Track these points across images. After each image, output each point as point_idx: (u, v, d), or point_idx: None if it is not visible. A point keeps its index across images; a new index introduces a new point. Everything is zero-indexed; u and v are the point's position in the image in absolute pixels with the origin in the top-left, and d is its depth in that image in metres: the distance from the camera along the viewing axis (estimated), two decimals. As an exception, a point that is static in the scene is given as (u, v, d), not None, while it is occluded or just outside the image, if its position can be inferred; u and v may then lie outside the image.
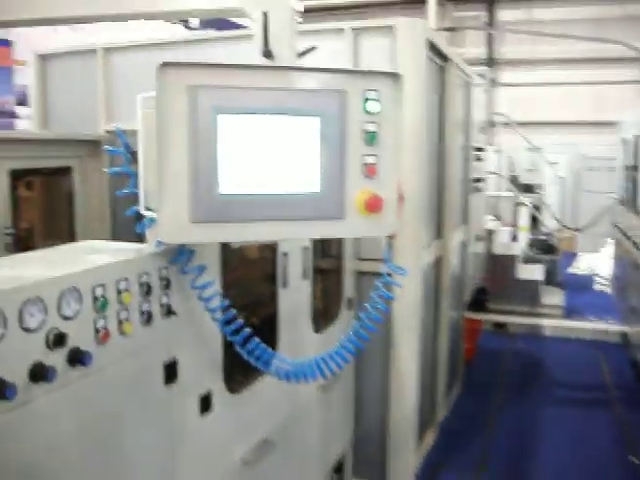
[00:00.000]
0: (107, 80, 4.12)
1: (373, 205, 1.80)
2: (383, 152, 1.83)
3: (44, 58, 4.40)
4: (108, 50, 4.15)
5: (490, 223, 7.19)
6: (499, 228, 7.60)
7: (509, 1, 13.30)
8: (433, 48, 3.66)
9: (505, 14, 13.49)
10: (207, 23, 7.40)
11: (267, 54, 1.84)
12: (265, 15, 1.86)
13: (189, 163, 1.67)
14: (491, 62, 13.27)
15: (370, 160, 1.81)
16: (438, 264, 4.33)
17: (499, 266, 7.27)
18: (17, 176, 3.35)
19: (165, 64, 1.63)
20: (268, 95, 1.71)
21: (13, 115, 6.78)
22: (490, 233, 7.08)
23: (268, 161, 1.72)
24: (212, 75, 1.68)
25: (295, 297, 2.71)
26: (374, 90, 1.80)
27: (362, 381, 3.71)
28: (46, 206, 3.92)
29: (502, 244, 7.46)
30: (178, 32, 7.58)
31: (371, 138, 1.80)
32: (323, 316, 3.20)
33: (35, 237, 3.81)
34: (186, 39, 4.23)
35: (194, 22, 8.02)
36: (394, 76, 1.81)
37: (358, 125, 1.80)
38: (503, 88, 12.88)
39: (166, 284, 1.82)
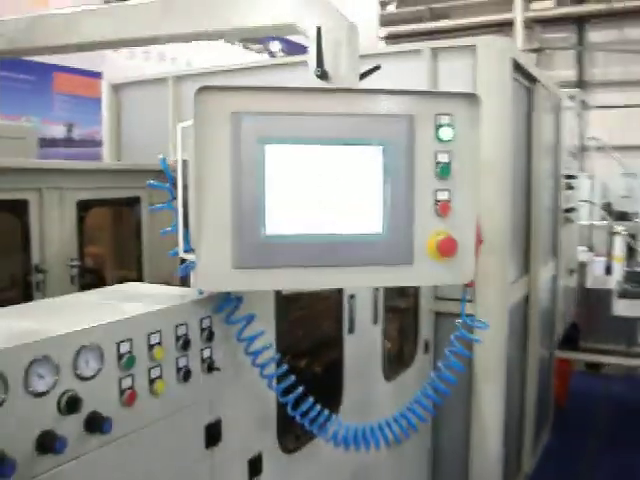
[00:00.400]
0: (177, 109, 4.04)
1: (447, 248, 1.53)
2: (458, 186, 1.56)
3: (117, 88, 4.38)
4: (179, 78, 4.08)
5: (582, 254, 6.69)
6: (592, 259, 7.06)
7: (599, 21, 12.70)
8: (519, 68, 3.35)
9: (595, 35, 12.91)
10: (290, 48, 7.21)
11: (322, 75, 1.62)
12: (319, 30, 1.64)
13: (231, 200, 1.46)
14: (582, 84, 12.66)
15: (443, 196, 1.55)
16: (526, 301, 3.96)
17: (593, 301, 6.72)
18: (85, 207, 3.28)
19: (204, 88, 1.43)
20: (322, 122, 1.49)
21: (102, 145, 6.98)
22: (583, 265, 6.58)
23: (322, 198, 1.49)
24: (258, 100, 1.47)
25: (364, 343, 2.45)
26: (447, 114, 1.54)
27: (439, 431, 3.38)
28: (114, 237, 3.85)
29: (596, 277, 6.92)
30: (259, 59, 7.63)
31: (444, 170, 1.54)
32: (396, 360, 2.93)
33: (103, 268, 3.73)
34: (258, 63, 4.10)
35: (274, 47, 7.97)
36: (470, 97, 1.55)
37: (428, 155, 1.54)
38: (595, 111, 12.25)
39: (208, 336, 1.61)
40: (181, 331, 1.53)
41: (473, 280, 1.61)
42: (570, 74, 12.80)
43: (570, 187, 5.17)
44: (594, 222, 8.16)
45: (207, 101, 1.44)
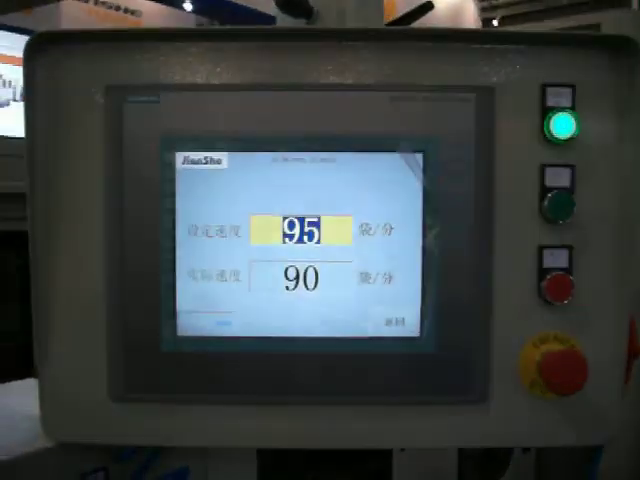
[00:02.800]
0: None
1: (565, 373, 0.69)
2: (590, 240, 0.73)
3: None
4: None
5: None
6: None
7: None
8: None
9: None
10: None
11: (288, 5, 0.78)
12: None
13: (106, 265, 0.71)
14: None
15: (556, 261, 0.72)
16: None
17: None
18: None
19: (44, 36, 0.69)
20: (295, 104, 0.71)
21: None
22: None
23: (293, 260, 0.71)
24: (159, 58, 0.71)
25: None
26: (568, 85, 0.71)
27: None
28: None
29: None
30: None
31: (560, 205, 0.71)
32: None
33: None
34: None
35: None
36: (620, 49, 0.71)
37: (525, 172, 0.72)
38: None
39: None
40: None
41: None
42: None
43: None
44: None
45: (56, 67, 0.71)
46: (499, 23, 7.60)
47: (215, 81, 0.71)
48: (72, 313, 0.72)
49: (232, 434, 0.73)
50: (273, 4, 0.84)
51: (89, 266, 0.72)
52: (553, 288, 0.71)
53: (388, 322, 0.71)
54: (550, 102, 0.71)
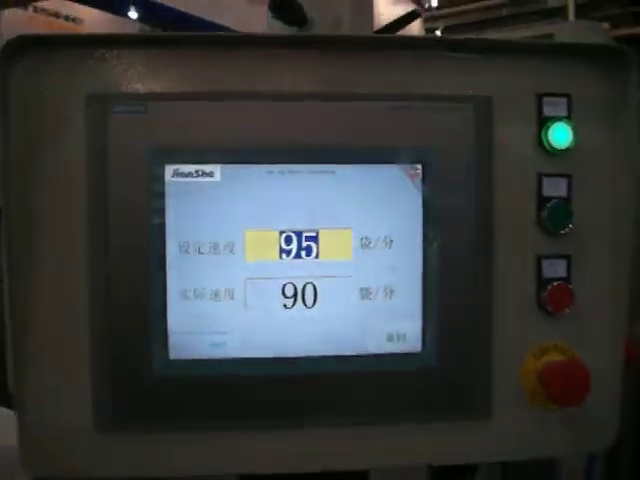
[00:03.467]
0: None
1: (566, 384, 0.69)
2: (588, 251, 0.72)
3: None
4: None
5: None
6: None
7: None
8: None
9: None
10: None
11: (285, 7, 0.76)
12: None
13: (90, 284, 0.67)
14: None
15: (555, 271, 0.71)
16: None
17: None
18: None
19: (21, 40, 0.64)
20: (288, 115, 0.68)
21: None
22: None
23: (290, 277, 0.68)
24: (147, 65, 0.68)
25: None
26: (564, 95, 0.71)
27: None
28: None
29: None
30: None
31: (558, 216, 0.70)
32: None
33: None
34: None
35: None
36: (613, 58, 0.71)
37: (523, 183, 0.71)
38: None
39: None
40: None
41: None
42: None
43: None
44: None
45: (33, 74, 0.66)
46: (442, 33, 7.73)
47: (207, 89, 0.68)
48: (53, 338, 0.67)
49: (232, 461, 0.69)
50: (220, 12, 0.80)
51: (71, 288, 0.67)
52: (554, 298, 0.71)
53: (390, 338, 0.69)
54: (546, 112, 0.71)
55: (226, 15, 4.28)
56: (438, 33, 8.30)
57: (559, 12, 7.24)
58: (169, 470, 0.70)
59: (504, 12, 7.70)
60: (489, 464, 1.32)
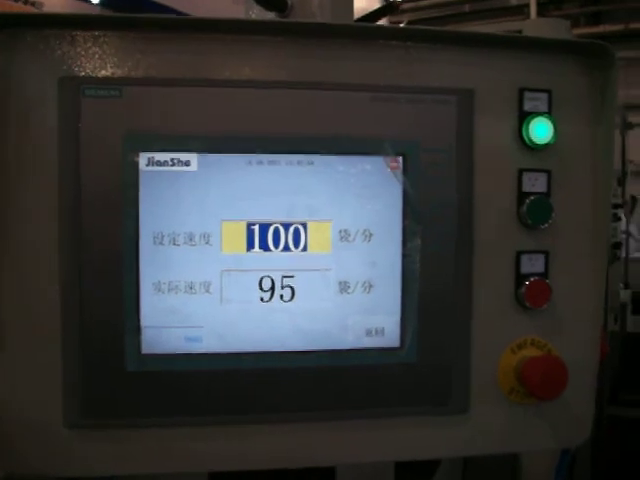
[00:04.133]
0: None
1: (545, 379, 0.68)
2: (566, 246, 0.72)
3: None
4: None
5: (623, 294, 5.80)
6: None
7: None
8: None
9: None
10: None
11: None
12: None
13: (62, 275, 0.64)
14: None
15: (534, 266, 0.71)
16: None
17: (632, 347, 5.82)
18: None
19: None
20: (267, 103, 0.66)
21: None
22: (623, 307, 5.69)
23: (267, 270, 0.66)
24: (120, 47, 0.65)
25: None
26: (544, 91, 0.71)
27: None
28: None
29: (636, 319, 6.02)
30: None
31: (537, 210, 0.70)
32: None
33: None
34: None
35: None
36: (594, 53, 0.71)
37: (503, 177, 0.71)
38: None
39: None
40: None
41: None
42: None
43: (617, 218, 4.33)
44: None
45: (1, 55, 0.63)
46: (406, 27, 7.79)
47: (184, 75, 0.65)
48: (21, 331, 0.65)
49: (205, 458, 0.67)
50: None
51: (40, 279, 0.64)
52: (532, 294, 0.70)
53: (368, 333, 0.68)
54: (527, 107, 0.70)
55: (193, 4, 4.21)
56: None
57: (520, 10, 7.34)
58: (140, 468, 0.67)
59: (467, 8, 7.77)
60: (451, 461, 1.33)
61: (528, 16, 6.90)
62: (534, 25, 2.25)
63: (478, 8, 7.71)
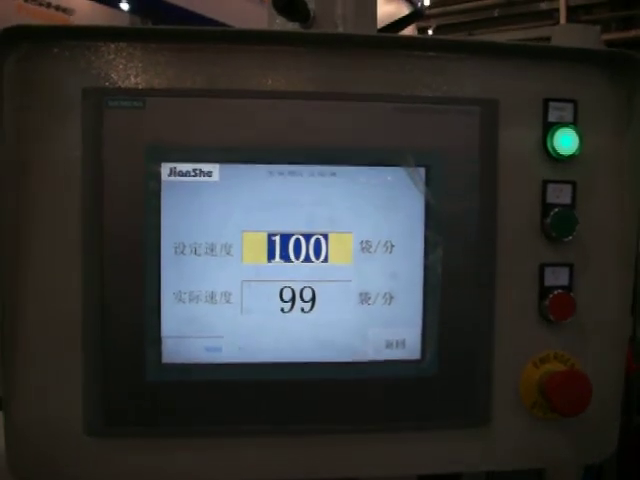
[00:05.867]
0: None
1: (568, 394, 0.67)
2: (592, 259, 0.71)
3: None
4: None
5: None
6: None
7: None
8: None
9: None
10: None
11: (290, 5, 0.74)
12: None
13: (83, 286, 0.65)
14: None
15: (558, 279, 0.70)
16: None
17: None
18: None
19: (9, 30, 0.62)
20: (290, 112, 0.66)
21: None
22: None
23: (288, 281, 0.66)
24: (142, 60, 0.66)
25: None
26: (570, 100, 0.70)
27: None
28: None
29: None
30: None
31: (561, 223, 0.69)
32: None
33: None
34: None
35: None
36: (620, 64, 0.70)
37: (527, 189, 0.70)
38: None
39: None
40: None
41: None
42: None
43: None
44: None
45: (26, 66, 0.64)
46: (434, 32, 7.74)
47: (207, 86, 0.66)
48: (44, 339, 0.65)
49: (225, 469, 0.67)
50: (212, 5, 0.78)
51: (64, 288, 0.65)
52: (556, 307, 0.69)
53: (388, 344, 0.68)
54: (552, 117, 0.69)
55: (222, 10, 4.24)
56: (430, 33, 8.31)
57: (550, 14, 7.26)
58: (159, 477, 0.68)
59: (495, 13, 7.71)
60: (473, 473, 1.31)
61: (558, 21, 6.83)
62: (563, 31, 2.23)
63: (507, 13, 7.65)
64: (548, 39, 2.11)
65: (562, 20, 6.81)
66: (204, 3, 4.34)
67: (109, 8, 4.75)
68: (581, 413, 0.67)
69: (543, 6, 7.62)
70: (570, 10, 7.12)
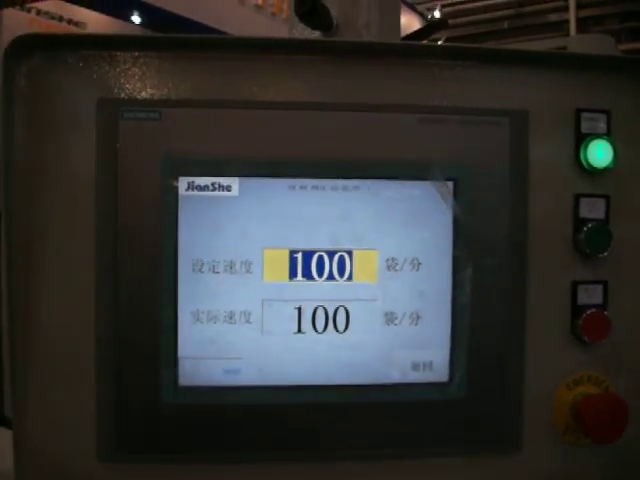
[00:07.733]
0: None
1: (603, 418, 0.64)
2: (626, 274, 0.68)
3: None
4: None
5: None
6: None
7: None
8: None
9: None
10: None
11: (313, 12, 0.71)
12: None
13: (97, 305, 0.62)
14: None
15: (592, 297, 0.67)
16: None
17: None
18: None
19: (23, 39, 0.60)
20: (311, 123, 0.63)
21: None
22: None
23: (307, 300, 0.64)
24: (159, 70, 0.63)
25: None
26: (601, 112, 0.67)
27: None
28: None
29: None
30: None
31: (596, 238, 0.66)
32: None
33: None
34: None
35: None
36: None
37: (560, 202, 0.67)
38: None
39: None
40: None
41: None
42: None
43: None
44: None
45: (40, 76, 0.62)
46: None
47: (225, 97, 0.63)
48: (55, 360, 0.63)
49: None
50: (224, 18, 0.76)
51: (76, 307, 0.62)
52: (589, 327, 0.66)
53: (415, 367, 0.65)
54: (585, 128, 0.66)
55: (237, 24, 4.25)
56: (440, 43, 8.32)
57: (560, 26, 7.24)
58: None
59: (505, 25, 7.70)
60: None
61: (568, 32, 6.81)
62: (578, 41, 2.20)
63: (517, 25, 7.64)
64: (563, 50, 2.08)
65: (572, 31, 6.78)
66: (218, 17, 4.35)
67: (121, 21, 4.77)
68: (615, 439, 0.64)
69: (553, 17, 7.60)
70: (580, 21, 7.09)
